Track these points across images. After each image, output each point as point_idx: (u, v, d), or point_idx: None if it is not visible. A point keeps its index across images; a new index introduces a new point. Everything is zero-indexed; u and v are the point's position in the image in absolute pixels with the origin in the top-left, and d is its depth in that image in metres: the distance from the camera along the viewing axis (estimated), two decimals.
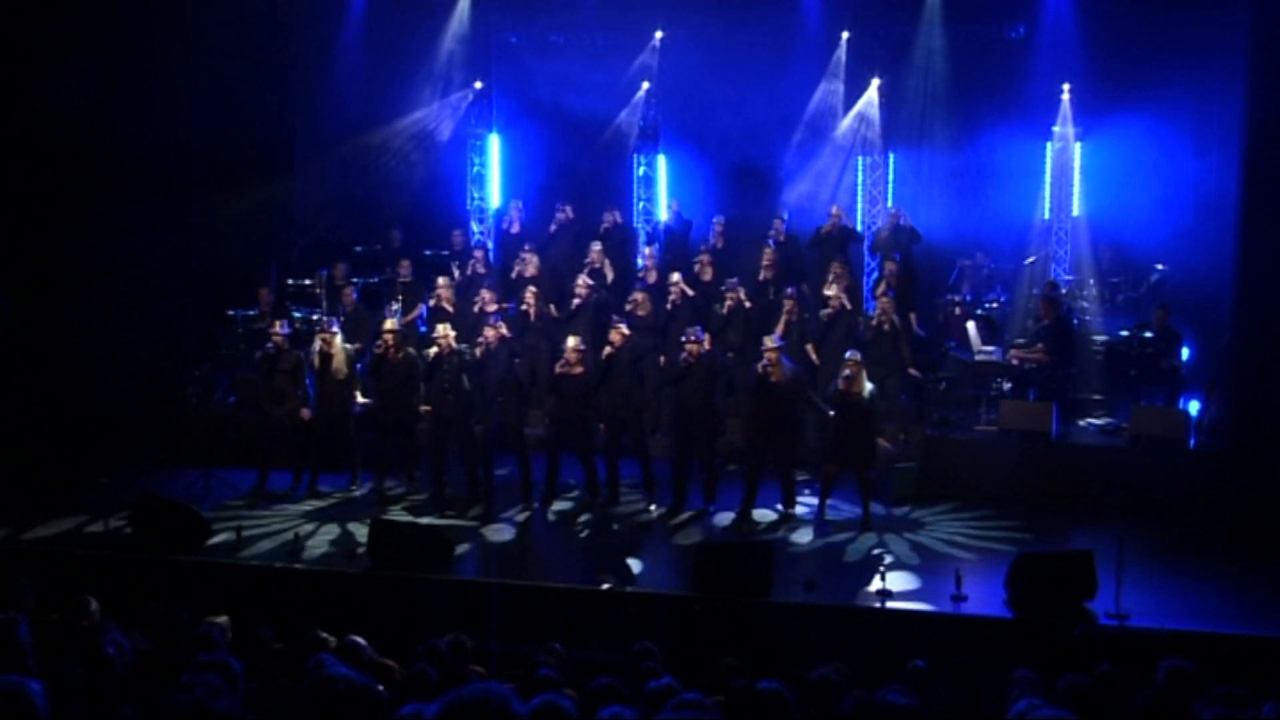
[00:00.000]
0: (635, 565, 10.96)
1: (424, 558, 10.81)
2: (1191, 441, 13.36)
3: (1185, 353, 14.48)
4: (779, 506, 12.66)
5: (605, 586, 10.35)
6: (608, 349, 12.81)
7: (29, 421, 14.05)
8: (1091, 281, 16.35)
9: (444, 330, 13.15)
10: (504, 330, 13.14)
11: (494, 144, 19.01)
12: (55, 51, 14.03)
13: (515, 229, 17.49)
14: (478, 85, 18.66)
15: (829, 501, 12.63)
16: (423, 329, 16.06)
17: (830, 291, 14.62)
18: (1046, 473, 13.22)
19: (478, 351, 12.95)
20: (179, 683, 4.06)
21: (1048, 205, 17.44)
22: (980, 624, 9.83)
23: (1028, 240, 17.34)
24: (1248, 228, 12.18)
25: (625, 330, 12.95)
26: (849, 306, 14.62)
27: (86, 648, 6.09)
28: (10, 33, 14.10)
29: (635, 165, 18.82)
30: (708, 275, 15.52)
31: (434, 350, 13.05)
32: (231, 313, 15.69)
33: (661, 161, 18.78)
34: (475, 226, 19.05)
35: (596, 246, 16.08)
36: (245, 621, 7.88)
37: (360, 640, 7.32)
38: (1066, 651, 9.06)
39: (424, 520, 12.20)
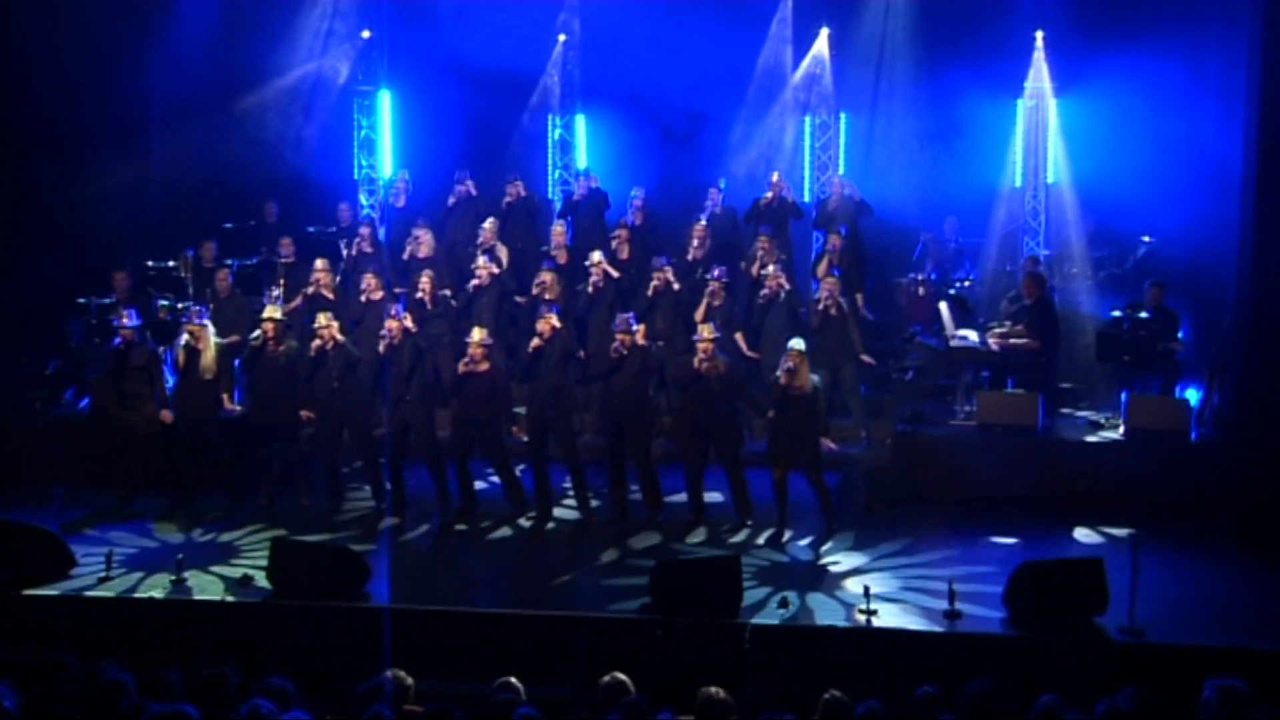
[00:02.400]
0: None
1: (333, 582, 10.61)
2: (1194, 434, 13.63)
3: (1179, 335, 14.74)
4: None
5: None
6: (535, 340, 12.68)
7: None
8: (1075, 256, 16.55)
9: (326, 320, 12.93)
10: (408, 321, 12.93)
11: (385, 103, 18.71)
12: None
13: (401, 202, 17.23)
14: (365, 35, 18.36)
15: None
16: (306, 320, 15.83)
17: (767, 271, 14.62)
18: (1034, 471, 13.35)
19: (380, 346, 12.74)
20: None
21: (1019, 170, 17.64)
22: (980, 642, 9.91)
23: (996, 210, 17.55)
24: (1262, 195, 12.30)
25: (555, 321, 12.83)
26: (788, 288, 14.60)
27: None
28: None
29: (551, 127, 18.67)
30: (624, 253, 15.43)
31: (315, 344, 12.79)
32: (83, 300, 15.24)
33: (580, 123, 18.65)
34: (364, 199, 18.76)
35: (489, 224, 15.86)
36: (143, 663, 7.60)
37: (285, 682, 7.11)
38: (1084, 671, 9.21)
39: (327, 539, 12.00)
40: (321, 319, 12.98)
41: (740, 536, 12.39)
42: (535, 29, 17.91)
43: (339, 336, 12.93)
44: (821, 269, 15.51)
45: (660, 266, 14.59)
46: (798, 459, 12.39)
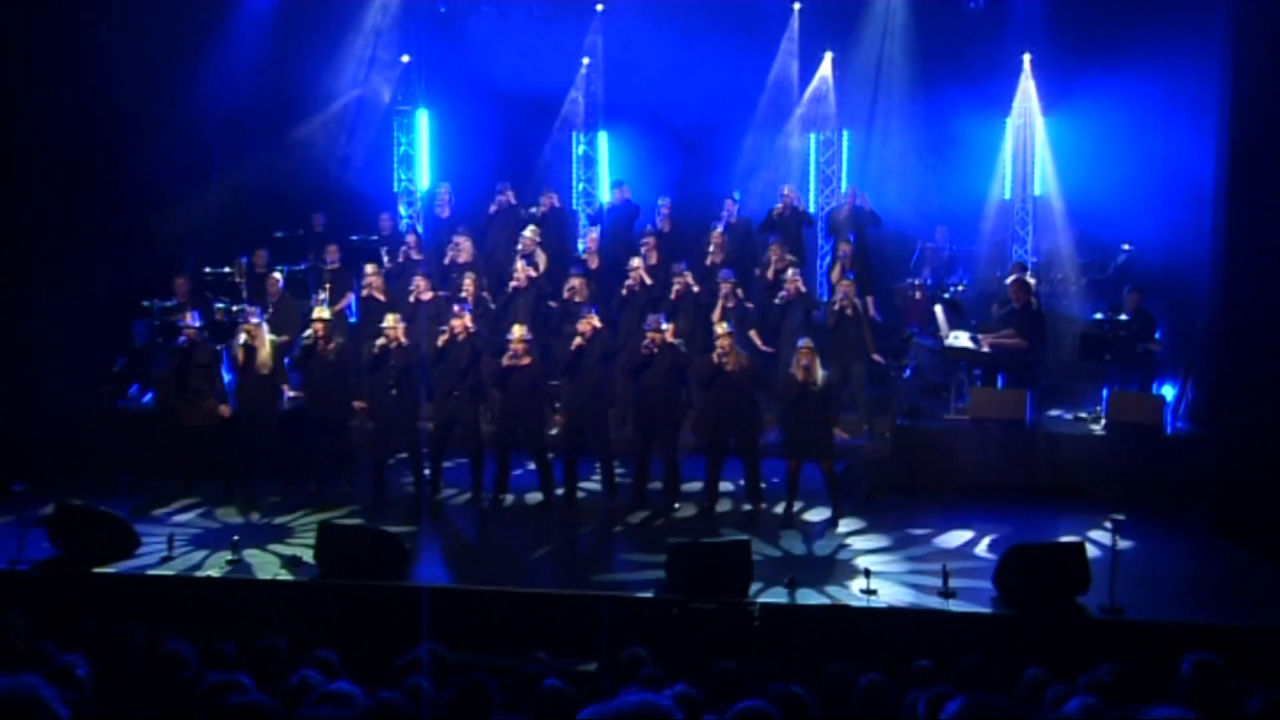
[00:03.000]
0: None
1: (376, 564, 10.61)
2: (1169, 427, 13.60)
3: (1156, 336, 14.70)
4: (746, 505, 12.69)
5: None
6: (577, 340, 12.67)
7: None
8: (1061, 263, 16.52)
9: (394, 321, 12.83)
10: (469, 322, 12.89)
11: (422, 121, 18.74)
12: None
13: (446, 213, 17.18)
14: (405, 59, 18.38)
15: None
16: (352, 319, 15.85)
17: (785, 275, 14.61)
18: (1022, 461, 13.39)
19: (439, 341, 12.70)
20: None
21: (1008, 183, 17.62)
22: (972, 619, 9.88)
23: (987, 220, 17.55)
24: (1233, 206, 12.24)
25: (596, 322, 12.82)
26: (804, 290, 14.59)
27: (44, 669, 5.84)
28: None
29: (575, 143, 18.65)
30: (653, 259, 15.37)
31: (380, 342, 12.74)
32: (147, 303, 15.29)
33: (603, 139, 18.64)
34: (403, 209, 18.77)
35: (529, 231, 15.77)
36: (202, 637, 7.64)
37: (332, 655, 7.13)
38: (1068, 646, 9.20)
39: (370, 524, 12.00)
40: (390, 320, 12.85)
41: (752, 521, 12.36)
42: (561, 52, 17.87)
43: (404, 340, 12.83)
44: (836, 274, 15.49)
45: (680, 271, 14.54)
46: (812, 450, 12.36)
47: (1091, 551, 10.42)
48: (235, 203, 17.38)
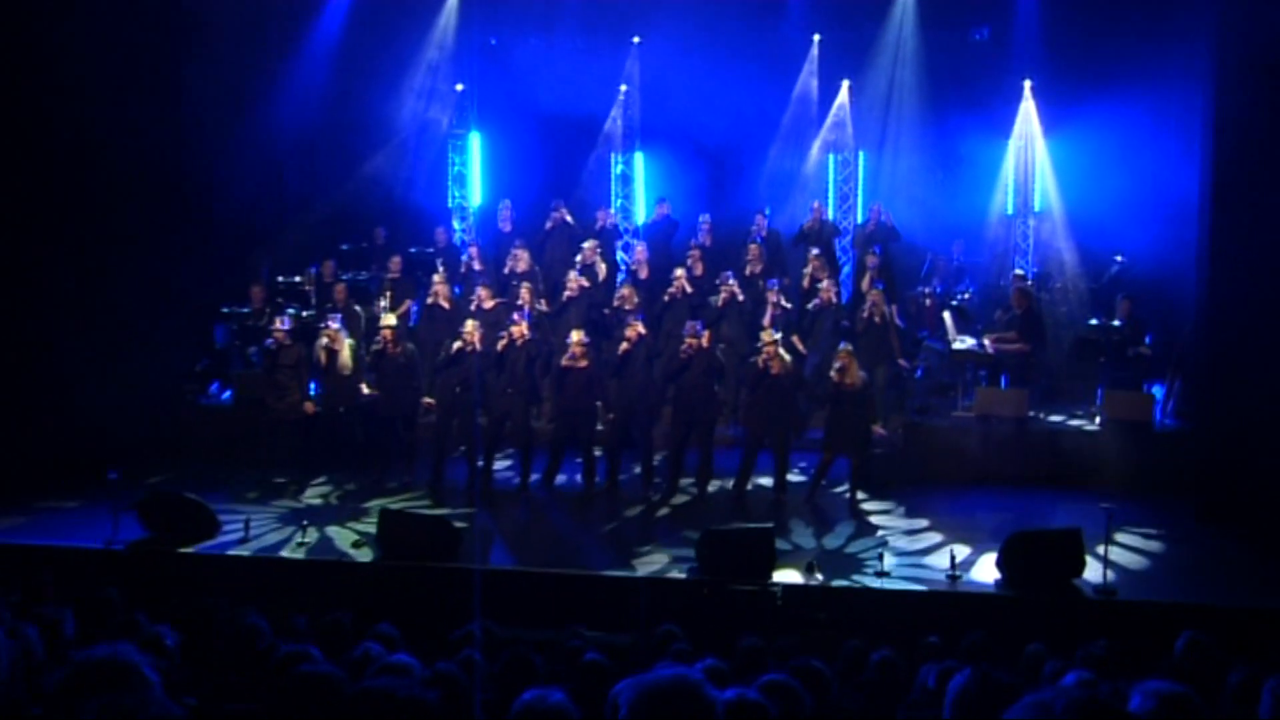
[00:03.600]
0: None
1: (432, 547, 10.67)
2: (1158, 423, 13.53)
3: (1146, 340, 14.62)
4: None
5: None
6: (624, 345, 12.67)
7: (25, 427, 13.53)
8: (1059, 273, 16.44)
9: (472, 328, 12.79)
10: (525, 329, 12.86)
11: (475, 143, 18.83)
12: (33, 60, 13.53)
13: (508, 228, 17.11)
14: (459, 87, 18.48)
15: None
16: (411, 324, 15.92)
17: (821, 284, 14.58)
18: (1024, 455, 13.34)
19: (499, 345, 12.73)
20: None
21: (1010, 199, 17.55)
22: (977, 600, 9.87)
23: (991, 233, 17.48)
24: (1216, 221, 12.17)
25: (641, 328, 12.82)
26: (835, 301, 14.57)
27: (136, 639, 5.92)
28: None
29: (613, 163, 18.68)
30: (698, 270, 15.30)
31: (457, 345, 12.72)
32: (226, 310, 15.45)
33: (639, 159, 18.67)
34: (457, 224, 18.86)
35: (590, 244, 15.74)
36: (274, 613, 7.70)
37: (392, 629, 7.18)
38: (1065, 624, 9.16)
39: (428, 510, 12.08)
40: (469, 326, 12.79)
41: (777, 510, 12.33)
42: (601, 79, 17.89)
43: (479, 346, 12.77)
44: (865, 284, 15.40)
45: (726, 279, 14.44)
46: (849, 446, 12.37)
47: (1087, 537, 10.34)
48: (306, 218, 17.52)
